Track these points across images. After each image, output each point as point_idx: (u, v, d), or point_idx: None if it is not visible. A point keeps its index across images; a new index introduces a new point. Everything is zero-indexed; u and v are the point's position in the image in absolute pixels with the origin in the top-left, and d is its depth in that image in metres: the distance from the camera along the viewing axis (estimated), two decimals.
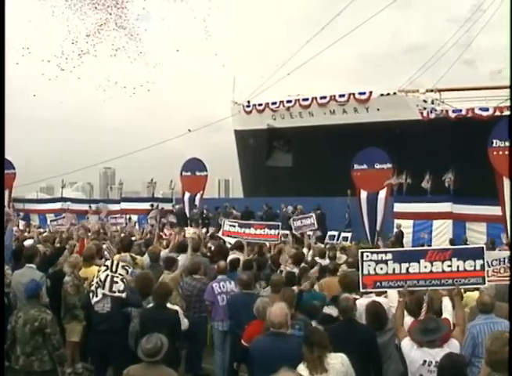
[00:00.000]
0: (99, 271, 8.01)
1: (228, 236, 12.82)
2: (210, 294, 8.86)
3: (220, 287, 8.88)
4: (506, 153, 16.80)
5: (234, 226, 12.73)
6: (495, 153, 17.07)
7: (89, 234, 14.82)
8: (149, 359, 5.27)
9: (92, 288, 7.80)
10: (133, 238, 14.32)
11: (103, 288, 7.69)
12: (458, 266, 6.45)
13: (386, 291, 7.40)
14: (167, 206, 28.02)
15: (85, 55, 16.34)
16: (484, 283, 6.65)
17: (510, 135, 15.66)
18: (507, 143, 16.83)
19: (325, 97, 32.70)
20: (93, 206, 28.03)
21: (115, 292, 7.69)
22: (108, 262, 8.19)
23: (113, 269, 7.84)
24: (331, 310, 7.22)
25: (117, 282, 7.74)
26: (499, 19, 32.95)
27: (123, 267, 7.95)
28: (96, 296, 7.70)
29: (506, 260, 8.41)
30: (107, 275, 7.79)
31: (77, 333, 8.91)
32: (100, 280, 7.76)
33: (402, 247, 16.95)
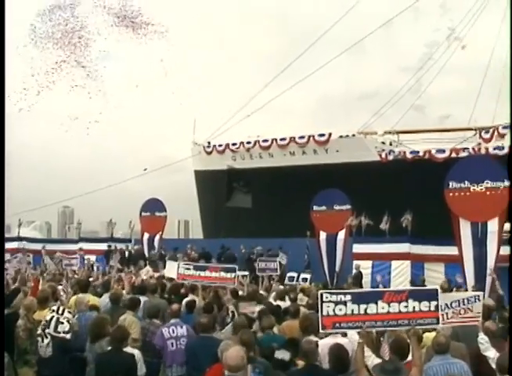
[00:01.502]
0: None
1: (183, 279, 12.62)
2: (159, 339, 8.58)
3: (169, 332, 8.59)
4: (462, 194, 17.10)
5: (189, 269, 12.59)
6: (451, 194, 17.29)
7: (45, 275, 14.54)
8: None
9: (39, 331, 7.86)
10: (90, 279, 14.07)
11: (49, 328, 7.73)
12: (414, 307, 6.53)
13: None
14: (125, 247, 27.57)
15: (44, 90, 16.24)
16: (439, 324, 6.75)
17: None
18: (463, 185, 17.12)
19: (285, 139, 33.06)
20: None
21: (60, 333, 7.80)
22: (55, 307, 8.26)
23: (59, 312, 7.97)
24: (283, 354, 6.92)
25: (62, 323, 7.89)
26: (449, 69, 34.48)
27: (69, 311, 8.17)
28: (46, 337, 7.69)
29: (466, 301, 8.51)
30: (53, 316, 7.92)
31: None
32: (46, 321, 7.88)
33: (361, 287, 17.01)
